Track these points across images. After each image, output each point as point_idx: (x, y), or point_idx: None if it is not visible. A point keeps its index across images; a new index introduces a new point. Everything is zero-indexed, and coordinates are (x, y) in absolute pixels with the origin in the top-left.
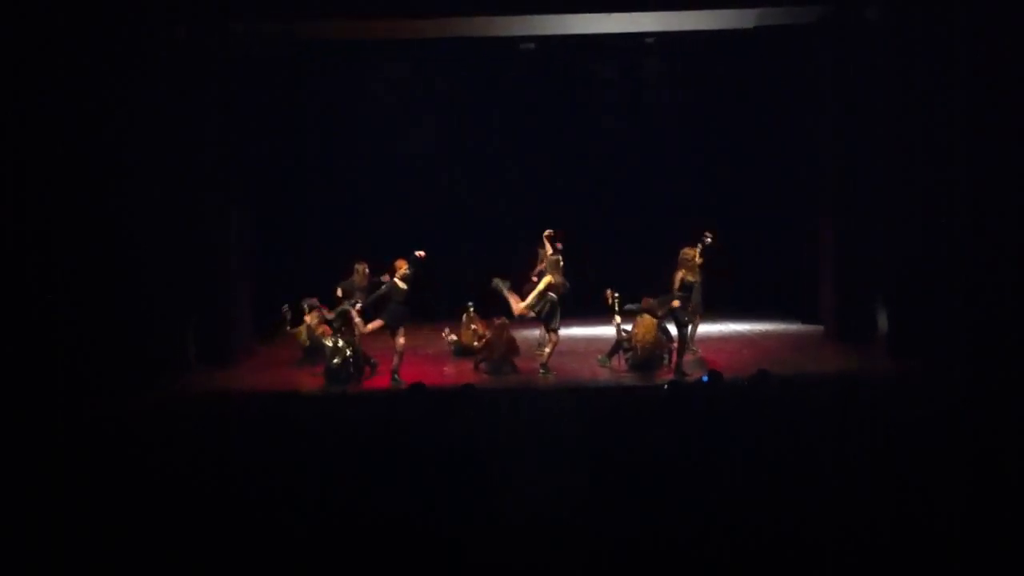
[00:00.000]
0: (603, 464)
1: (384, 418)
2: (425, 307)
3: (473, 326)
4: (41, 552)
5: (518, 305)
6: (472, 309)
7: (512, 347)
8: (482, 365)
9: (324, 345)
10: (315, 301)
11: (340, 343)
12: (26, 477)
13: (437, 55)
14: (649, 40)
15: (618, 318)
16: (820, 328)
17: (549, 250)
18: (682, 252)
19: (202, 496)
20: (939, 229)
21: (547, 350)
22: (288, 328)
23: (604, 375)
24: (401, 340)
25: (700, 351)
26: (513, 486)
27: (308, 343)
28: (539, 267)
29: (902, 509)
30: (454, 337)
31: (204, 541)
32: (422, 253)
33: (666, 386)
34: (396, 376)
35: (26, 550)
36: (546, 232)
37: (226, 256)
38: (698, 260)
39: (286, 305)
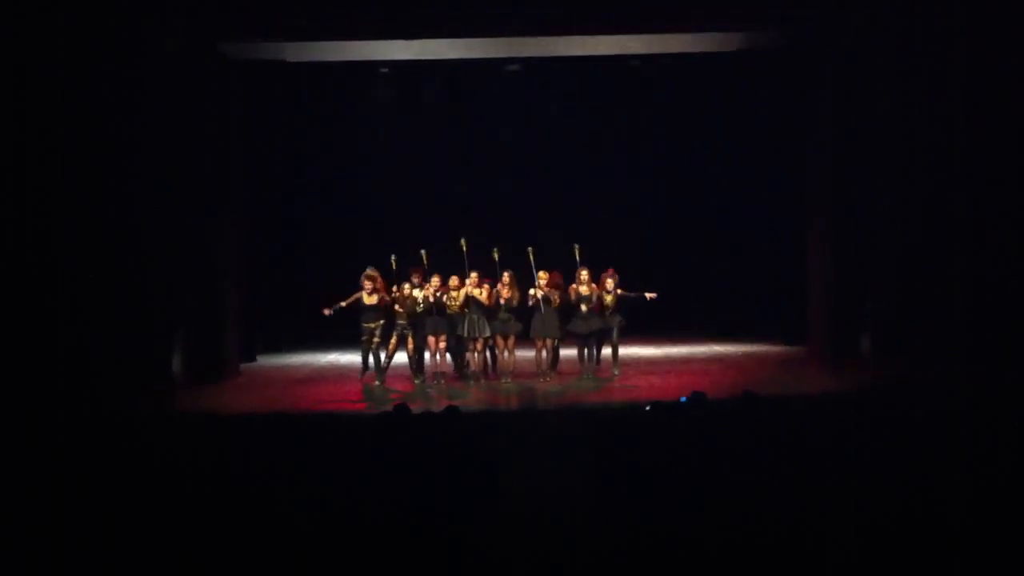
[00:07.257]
0: (591, 478)
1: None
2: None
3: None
4: (39, 553)
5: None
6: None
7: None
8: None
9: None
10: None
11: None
12: (22, 480)
13: (428, 74)
14: (634, 63)
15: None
16: (805, 349)
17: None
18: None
19: (199, 500)
20: (934, 239)
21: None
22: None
23: (591, 397)
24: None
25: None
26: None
27: (420, 307)
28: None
29: (900, 511)
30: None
31: (202, 543)
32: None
33: (648, 407)
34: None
35: (23, 551)
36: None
37: (225, 270)
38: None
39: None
